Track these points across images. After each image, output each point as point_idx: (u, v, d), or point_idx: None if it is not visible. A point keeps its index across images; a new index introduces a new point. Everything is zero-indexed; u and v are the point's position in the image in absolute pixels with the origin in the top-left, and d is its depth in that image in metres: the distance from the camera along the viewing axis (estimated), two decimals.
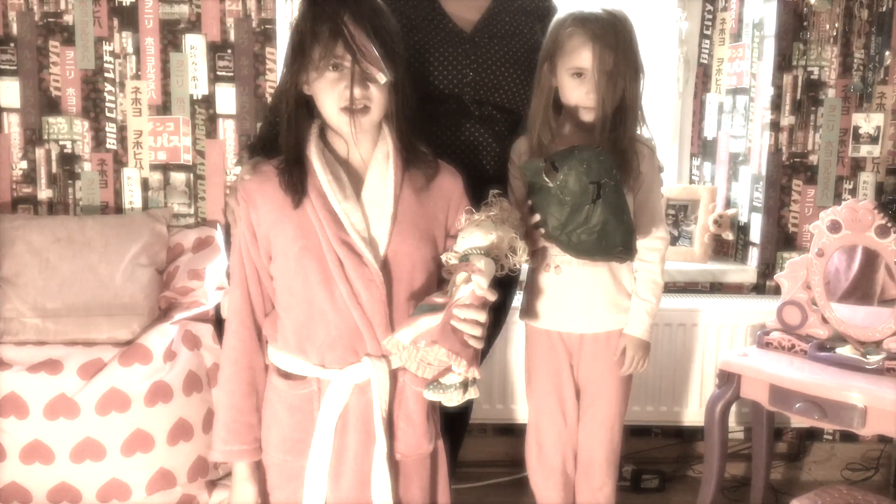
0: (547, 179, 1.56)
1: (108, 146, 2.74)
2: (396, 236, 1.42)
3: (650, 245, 1.81)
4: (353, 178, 1.43)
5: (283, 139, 1.45)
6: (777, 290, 2.71)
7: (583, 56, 1.65)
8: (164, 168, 2.76)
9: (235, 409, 1.48)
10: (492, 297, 1.31)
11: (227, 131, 2.75)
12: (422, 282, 1.46)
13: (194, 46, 2.70)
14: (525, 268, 1.77)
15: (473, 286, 1.29)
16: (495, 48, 1.81)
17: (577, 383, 1.86)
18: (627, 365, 1.83)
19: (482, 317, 1.31)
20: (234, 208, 1.49)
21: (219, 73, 2.72)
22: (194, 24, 2.69)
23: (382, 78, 1.34)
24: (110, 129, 2.73)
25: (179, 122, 2.73)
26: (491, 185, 1.77)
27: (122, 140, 2.73)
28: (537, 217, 1.63)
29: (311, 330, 1.41)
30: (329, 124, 1.42)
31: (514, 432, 2.78)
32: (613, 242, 1.59)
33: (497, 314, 1.78)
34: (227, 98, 2.73)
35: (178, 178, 2.77)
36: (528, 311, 1.86)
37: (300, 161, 1.42)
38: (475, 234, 1.36)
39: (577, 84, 1.67)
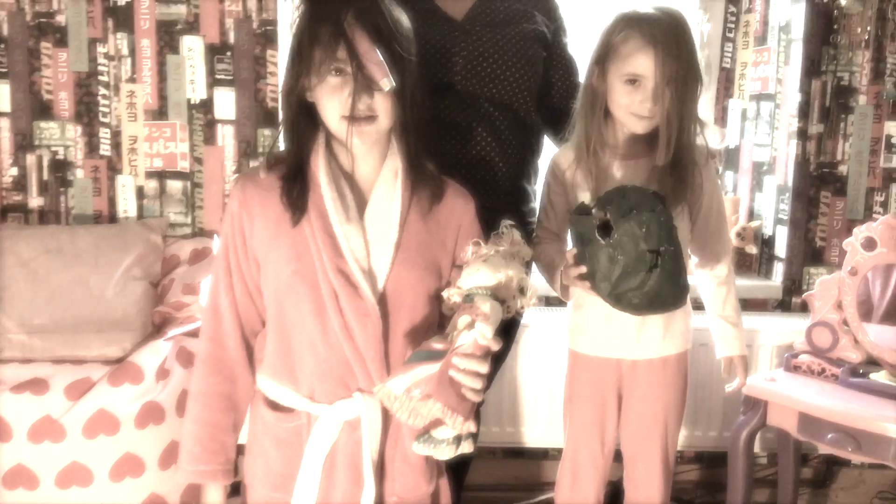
0: (599, 237, 1.46)
1: (101, 152, 2.66)
2: (399, 266, 1.32)
3: (718, 273, 1.76)
4: (356, 196, 1.33)
5: (285, 149, 1.36)
6: (804, 308, 2.60)
7: (640, 62, 1.53)
8: (160, 175, 2.68)
9: (213, 426, 1.38)
10: (496, 346, 1.20)
11: (227, 137, 2.66)
12: (423, 316, 1.35)
13: (192, 48, 2.62)
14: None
15: (477, 335, 1.19)
16: (488, 36, 1.71)
17: (620, 412, 1.78)
18: (741, 383, 1.85)
19: (484, 368, 1.20)
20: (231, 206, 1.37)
21: (218, 76, 2.63)
22: (192, 25, 2.60)
23: (386, 85, 1.23)
24: (104, 134, 2.65)
25: (176, 127, 2.65)
26: (496, 193, 1.73)
27: (116, 146, 2.65)
28: (583, 269, 1.52)
29: (300, 359, 1.32)
30: (332, 134, 1.33)
31: (523, 455, 2.71)
32: (665, 303, 1.51)
33: (507, 332, 1.65)
34: (226, 102, 2.64)
35: (175, 186, 2.68)
36: (576, 336, 1.77)
37: (303, 174, 1.33)
38: (482, 272, 1.25)
39: (631, 91, 1.56)
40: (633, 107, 1.55)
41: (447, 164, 1.50)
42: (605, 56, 1.59)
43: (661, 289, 1.45)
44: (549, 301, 2.68)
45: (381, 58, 1.23)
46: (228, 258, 1.35)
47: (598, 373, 1.74)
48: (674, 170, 1.58)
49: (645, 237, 1.42)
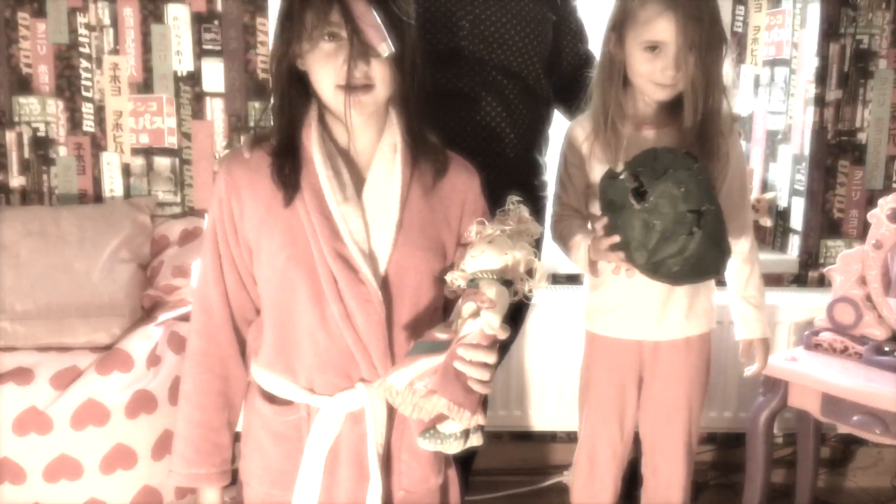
0: (633, 202, 1.40)
1: (85, 129, 2.57)
2: (401, 247, 1.26)
3: (740, 249, 1.70)
4: (353, 174, 1.27)
5: (275, 123, 1.29)
6: (821, 282, 2.57)
7: (660, 27, 1.48)
8: (147, 152, 2.60)
9: (206, 426, 1.32)
10: (504, 334, 1.14)
11: (216, 111, 2.58)
12: (428, 300, 1.30)
13: (177, 17, 2.52)
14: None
15: (482, 324, 1.13)
16: None
17: (640, 397, 1.75)
18: (761, 367, 1.81)
19: (491, 358, 1.13)
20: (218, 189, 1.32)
21: (205, 46, 2.54)
22: None
23: (385, 50, 1.16)
24: (87, 109, 2.56)
25: (163, 101, 2.57)
26: (506, 166, 1.67)
27: (100, 122, 2.57)
28: (616, 238, 1.45)
29: (298, 349, 1.26)
30: (326, 106, 1.26)
31: (531, 439, 2.67)
32: (707, 269, 1.45)
33: (515, 317, 1.60)
34: (214, 74, 2.55)
35: (163, 163, 2.61)
36: (595, 317, 1.73)
37: (295, 150, 1.26)
38: (487, 254, 1.18)
39: (651, 58, 1.50)
40: (654, 75, 1.51)
41: (452, 136, 1.45)
42: (621, 22, 1.54)
43: (704, 253, 1.40)
44: (556, 279, 2.63)
45: (379, 21, 1.17)
46: (217, 245, 1.30)
47: (618, 355, 1.71)
48: (699, 139, 1.52)
49: (684, 197, 1.37)
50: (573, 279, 2.61)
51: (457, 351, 1.13)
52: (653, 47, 1.49)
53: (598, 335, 1.72)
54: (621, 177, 1.44)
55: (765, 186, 2.80)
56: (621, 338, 1.69)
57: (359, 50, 1.17)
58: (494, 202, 1.32)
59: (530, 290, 1.20)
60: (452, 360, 1.13)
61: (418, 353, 1.16)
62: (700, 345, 1.71)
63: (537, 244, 1.64)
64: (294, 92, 1.27)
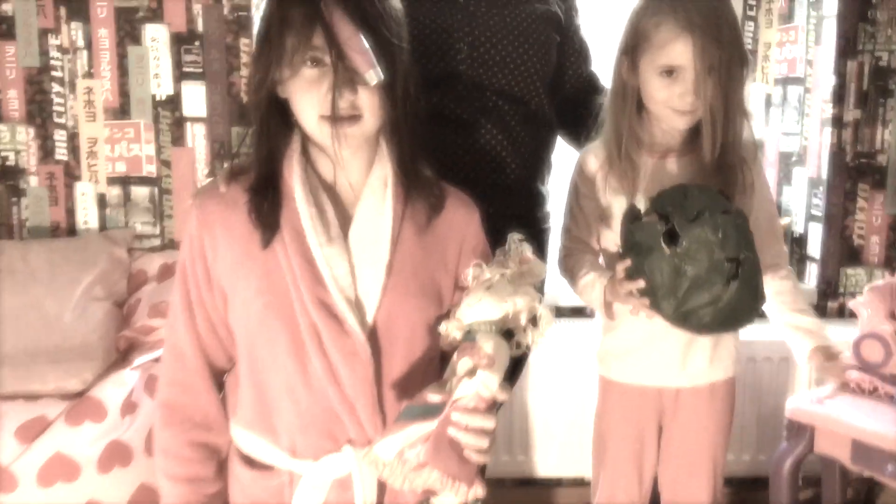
0: (664, 246, 1.34)
1: (57, 157, 2.51)
2: (392, 293, 1.18)
3: (781, 273, 1.61)
4: (339, 211, 1.21)
5: (253, 155, 1.23)
6: (842, 313, 2.50)
7: (677, 51, 1.41)
8: (124, 181, 2.53)
9: (196, 481, 1.24)
10: (504, 396, 1.06)
11: (197, 137, 2.51)
12: (422, 351, 1.22)
13: (156, 38, 2.47)
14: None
15: (479, 385, 1.04)
16: (495, 17, 1.60)
17: (659, 448, 1.66)
18: (840, 376, 1.74)
19: (490, 423, 1.05)
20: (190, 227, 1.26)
21: (185, 69, 2.48)
22: (155, 13, 2.45)
23: (373, 78, 1.10)
24: (60, 136, 2.50)
25: (140, 127, 2.50)
26: (507, 197, 1.62)
27: (73, 150, 2.50)
28: (641, 283, 1.38)
29: (278, 407, 1.19)
30: (310, 137, 1.20)
31: (535, 485, 2.56)
32: (740, 320, 1.39)
33: (516, 366, 1.58)
34: (195, 98, 2.49)
35: (141, 192, 2.54)
36: (610, 362, 1.64)
37: (275, 185, 1.19)
38: (485, 302, 1.09)
39: (668, 84, 1.44)
40: (671, 101, 1.44)
41: (448, 166, 1.40)
42: (634, 45, 1.47)
43: (739, 303, 1.34)
44: (560, 312, 2.53)
45: (366, 45, 1.11)
46: (188, 289, 1.22)
47: (636, 403, 1.62)
48: (720, 169, 1.46)
49: (721, 244, 1.31)
50: (578, 312, 2.51)
51: (451, 416, 1.04)
52: (669, 72, 1.42)
53: (614, 381, 1.63)
54: (647, 217, 1.38)
55: (779, 212, 2.67)
56: (640, 384, 1.61)
57: (344, 77, 1.11)
58: (494, 236, 1.26)
59: (533, 342, 1.11)
60: (446, 427, 1.04)
61: (408, 419, 1.07)
62: (725, 390, 1.62)
63: (541, 288, 1.60)
64: (274, 122, 1.20)
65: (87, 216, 2.53)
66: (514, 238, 1.16)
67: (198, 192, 1.30)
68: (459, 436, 1.04)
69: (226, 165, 1.33)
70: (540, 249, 1.68)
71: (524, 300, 1.10)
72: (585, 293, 1.56)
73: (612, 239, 1.53)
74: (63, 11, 2.43)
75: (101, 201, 2.53)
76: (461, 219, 1.27)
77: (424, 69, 1.48)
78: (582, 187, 1.60)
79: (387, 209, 1.20)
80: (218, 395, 1.25)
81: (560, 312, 2.54)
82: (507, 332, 1.11)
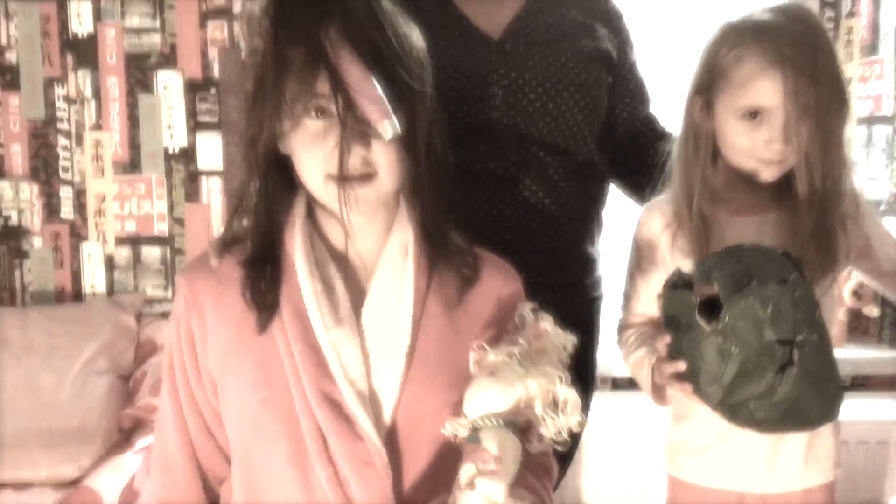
0: (700, 321, 1.17)
1: (63, 216, 2.47)
2: (414, 386, 1.09)
3: None
4: (351, 287, 1.12)
5: (250, 223, 1.16)
6: None
7: (763, 90, 1.28)
8: (134, 241, 2.49)
9: None
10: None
11: (213, 192, 2.47)
12: (453, 455, 1.07)
13: (168, 86, 2.43)
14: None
15: (479, 498, 0.93)
16: (535, 58, 1.51)
17: None
18: None
19: None
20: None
21: (200, 118, 2.44)
22: (168, 58, 2.42)
23: (388, 130, 1.00)
24: (65, 193, 2.46)
25: (152, 182, 2.46)
26: (552, 263, 1.52)
27: (80, 208, 2.47)
28: (681, 366, 1.24)
29: None
30: (317, 200, 1.12)
31: None
32: (808, 418, 1.21)
33: (565, 458, 1.46)
34: (211, 150, 2.44)
35: (152, 253, 2.49)
36: (681, 458, 1.47)
37: (274, 257, 1.12)
38: (489, 391, 1.00)
39: (752, 129, 1.30)
40: (756, 150, 1.32)
41: (483, 230, 1.30)
42: (710, 83, 1.35)
43: (800, 397, 1.17)
44: (616, 384, 2.40)
45: (380, 91, 1.02)
46: (176, 382, 1.14)
47: None
48: (818, 230, 1.31)
49: (772, 321, 1.14)
50: (636, 384, 2.24)
51: None
52: (753, 114, 1.30)
53: (685, 482, 1.45)
54: (690, 283, 1.23)
55: None
56: (716, 487, 1.42)
57: (354, 130, 1.02)
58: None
59: (559, 432, 0.99)
60: None
61: None
62: (822, 499, 1.42)
63: (583, 359, 1.45)
64: (274, 182, 1.12)
65: (93, 279, 2.49)
66: (526, 308, 1.05)
67: (185, 266, 1.25)
68: None
69: (217, 235, 1.24)
70: (590, 322, 1.59)
71: (539, 383, 0.98)
72: (637, 373, 1.44)
73: None
74: (70, 59, 2.41)
75: (109, 263, 2.49)
76: (500, 288, 1.17)
77: (452, 118, 1.41)
78: (644, 251, 1.47)
79: (407, 283, 1.10)
80: None
81: (616, 385, 2.41)
82: (523, 427, 1.00)
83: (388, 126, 1.00)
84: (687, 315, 1.21)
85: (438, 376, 1.09)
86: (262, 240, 1.11)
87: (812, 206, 1.30)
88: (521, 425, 1.00)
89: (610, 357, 1.98)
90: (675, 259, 1.41)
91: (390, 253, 1.12)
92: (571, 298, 1.52)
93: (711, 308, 1.18)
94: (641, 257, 1.47)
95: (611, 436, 2.19)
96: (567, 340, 1.05)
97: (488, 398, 0.99)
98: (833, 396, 1.22)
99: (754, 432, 1.25)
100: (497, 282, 1.17)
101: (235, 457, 1.12)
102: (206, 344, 1.10)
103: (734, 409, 1.20)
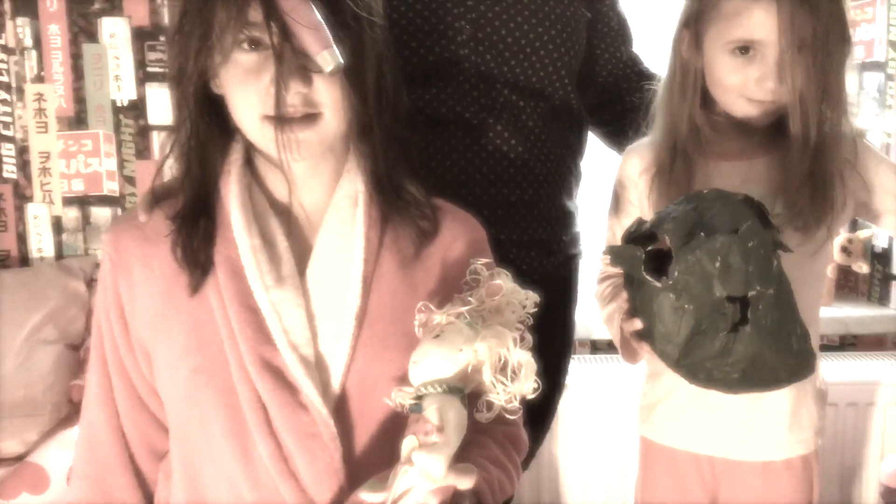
0: (648, 277, 1.12)
1: (5, 175, 2.37)
2: (365, 350, 1.03)
3: None
4: (295, 243, 1.06)
5: (180, 172, 1.08)
6: None
7: (755, 21, 1.24)
8: (82, 202, 2.40)
9: None
10: (466, 483, 0.90)
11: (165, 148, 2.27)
12: None
13: (115, 34, 2.32)
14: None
15: (419, 473, 0.88)
16: None
17: None
18: None
19: None
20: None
21: (150, 68, 2.34)
22: (113, 5, 2.32)
23: (328, 62, 0.94)
24: (7, 151, 2.37)
25: (100, 137, 2.37)
26: (525, 218, 1.47)
27: (23, 166, 2.38)
28: (638, 324, 1.20)
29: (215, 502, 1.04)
30: (253, 145, 1.06)
31: None
32: (769, 378, 1.17)
33: (544, 407, 1.42)
34: (162, 103, 2.35)
35: (102, 214, 2.40)
36: (654, 419, 1.46)
37: (208, 211, 1.05)
38: (433, 356, 0.93)
39: (743, 65, 1.26)
40: (746, 87, 1.27)
41: (448, 181, 1.32)
42: (699, 14, 1.31)
43: (758, 355, 1.13)
44: (595, 346, 2.35)
45: (320, 18, 0.95)
46: (104, 353, 1.08)
47: (685, 474, 1.43)
48: (811, 176, 1.27)
49: (721, 276, 1.09)
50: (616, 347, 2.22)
51: None
52: (744, 49, 1.25)
53: (657, 444, 1.44)
54: (642, 235, 1.18)
55: (856, 223, 2.48)
56: (689, 451, 1.41)
57: (292, 64, 0.96)
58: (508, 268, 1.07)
59: (511, 399, 0.92)
60: None
61: None
62: (803, 469, 1.40)
63: (560, 321, 1.50)
64: (206, 126, 1.04)
65: (41, 243, 2.42)
66: (479, 263, 0.99)
67: (111, 223, 1.17)
68: None
69: (146, 190, 1.14)
70: (567, 281, 1.53)
71: (489, 345, 0.91)
72: (609, 328, 1.42)
73: None
74: (7, 6, 2.30)
75: (57, 225, 2.41)
76: (462, 239, 1.11)
77: (414, 56, 1.38)
78: (620, 197, 1.44)
79: (357, 237, 1.05)
80: (140, 491, 1.10)
81: (596, 347, 2.37)
82: (467, 396, 0.94)
83: (329, 56, 0.93)
84: (635, 270, 1.17)
85: (391, 340, 1.04)
86: (194, 191, 1.04)
87: (805, 151, 1.25)
88: (470, 391, 0.95)
89: (589, 319, 1.92)
90: (652, 207, 1.37)
91: (338, 205, 1.06)
92: (547, 256, 1.46)
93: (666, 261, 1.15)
94: (619, 206, 1.44)
95: (589, 401, 2.16)
96: (527, 298, 0.99)
97: (432, 363, 0.93)
98: (798, 353, 1.17)
99: (721, 393, 1.22)
100: (457, 231, 1.12)
101: (172, 430, 1.07)
102: (135, 308, 1.04)
103: (692, 369, 1.17)
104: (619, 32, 1.58)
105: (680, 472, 1.43)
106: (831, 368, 2.22)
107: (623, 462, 2.10)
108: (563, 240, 1.53)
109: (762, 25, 1.22)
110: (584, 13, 1.48)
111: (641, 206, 1.40)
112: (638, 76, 1.51)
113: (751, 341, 1.12)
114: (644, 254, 1.15)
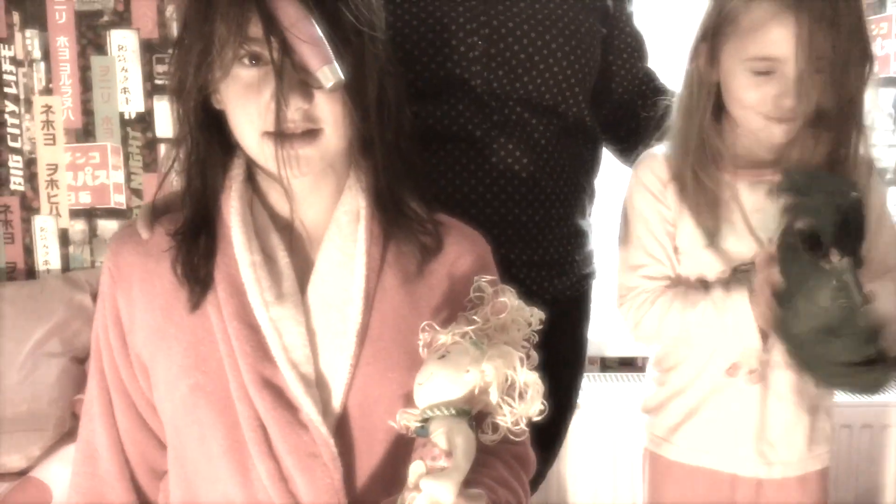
0: (833, 249, 1.11)
1: (12, 187, 2.39)
2: (367, 369, 1.02)
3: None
4: (295, 258, 1.06)
5: (182, 188, 1.08)
6: None
7: (775, 37, 1.21)
8: (89, 214, 2.42)
9: None
10: None
11: None
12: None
13: (123, 46, 2.34)
14: (651, 357, 1.42)
15: (425, 500, 0.86)
16: (521, 4, 1.42)
17: None
18: None
19: None
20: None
21: (158, 81, 2.35)
22: (122, 17, 2.33)
23: (328, 78, 0.92)
24: (14, 163, 2.38)
25: (107, 150, 2.38)
26: (536, 239, 1.44)
27: (30, 178, 2.39)
28: (777, 276, 1.17)
29: None
30: (253, 161, 1.06)
31: None
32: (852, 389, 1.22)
33: (553, 427, 1.34)
34: (170, 116, 2.21)
35: (108, 227, 2.41)
36: (664, 432, 1.42)
37: (208, 227, 1.05)
38: (438, 378, 0.91)
39: (761, 82, 1.23)
40: (764, 106, 1.24)
41: (458, 201, 1.29)
42: (717, 29, 1.28)
43: (863, 384, 1.17)
44: (605, 364, 2.30)
45: (320, 33, 0.94)
46: (103, 368, 1.07)
47: (700, 493, 1.40)
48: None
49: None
50: (627, 364, 2.31)
51: None
52: (762, 65, 1.22)
53: (668, 461, 1.41)
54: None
55: None
56: (704, 467, 1.38)
57: (293, 80, 0.94)
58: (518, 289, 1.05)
59: (517, 422, 0.91)
60: None
61: None
62: (818, 484, 1.39)
63: (573, 341, 1.47)
64: (206, 141, 1.03)
65: (47, 255, 2.42)
66: (482, 280, 0.96)
67: (112, 237, 1.16)
68: None
69: (147, 204, 1.15)
70: (580, 301, 1.49)
71: (496, 365, 0.89)
72: (710, 321, 1.31)
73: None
74: (16, 17, 2.33)
75: (64, 237, 2.42)
76: (466, 256, 1.10)
77: (425, 71, 1.35)
78: (654, 204, 1.38)
79: (359, 254, 1.04)
80: None
81: (606, 365, 2.33)
82: (473, 418, 0.92)
83: (330, 72, 0.92)
84: (828, 223, 1.15)
85: (393, 358, 1.03)
86: (194, 207, 1.04)
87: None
88: (476, 413, 0.93)
89: (600, 337, 1.89)
90: (681, 223, 1.35)
91: (339, 221, 1.06)
92: (559, 277, 1.42)
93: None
94: (651, 212, 1.38)
95: (599, 419, 2.14)
96: (532, 316, 0.96)
97: (438, 385, 0.90)
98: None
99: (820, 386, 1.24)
100: (463, 247, 1.11)
101: (171, 448, 1.06)
102: (134, 324, 1.04)
103: (804, 354, 1.16)
104: (634, 48, 1.56)
105: (695, 492, 1.40)
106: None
107: (632, 480, 2.07)
108: (576, 259, 1.50)
109: (781, 42, 1.20)
110: (599, 29, 1.46)
111: (666, 213, 1.39)
112: (654, 92, 1.48)
113: (876, 380, 1.14)
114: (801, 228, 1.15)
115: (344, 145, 1.02)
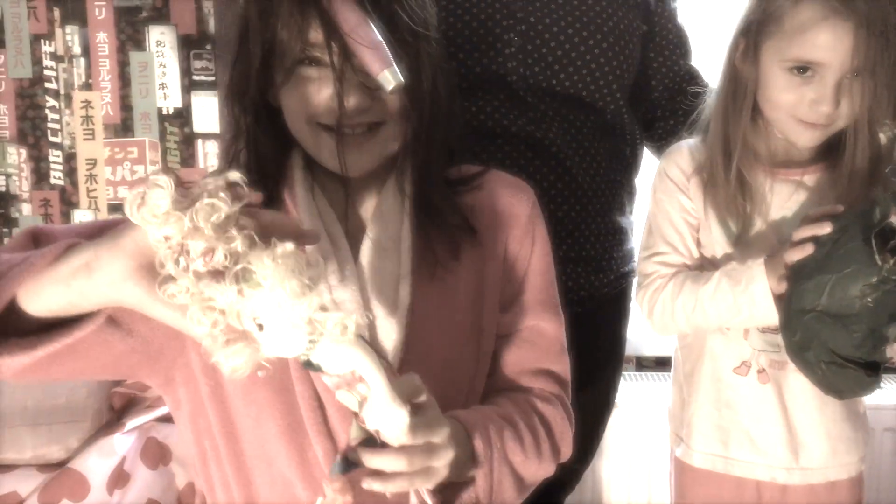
0: (869, 250, 1.10)
1: (52, 181, 2.39)
2: (417, 347, 1.06)
3: None
4: (350, 244, 1.09)
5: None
6: None
7: (818, 41, 1.17)
8: None
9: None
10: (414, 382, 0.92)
11: (210, 156, 2.39)
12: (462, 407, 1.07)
13: (162, 42, 2.34)
14: (678, 355, 1.41)
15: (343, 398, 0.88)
16: (558, 1, 1.41)
17: None
18: None
19: (391, 461, 0.88)
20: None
21: (196, 76, 2.35)
22: (161, 12, 2.33)
23: (389, 81, 0.94)
24: (55, 157, 2.38)
25: (145, 145, 2.37)
26: (575, 236, 1.44)
27: (70, 172, 2.39)
28: (809, 249, 1.15)
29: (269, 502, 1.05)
30: (313, 157, 1.08)
31: None
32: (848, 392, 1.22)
33: (594, 420, 1.45)
34: (207, 111, 2.37)
35: None
36: (688, 435, 1.40)
37: None
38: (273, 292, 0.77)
39: (798, 84, 1.21)
40: (798, 108, 1.21)
41: None
42: (759, 25, 1.24)
43: (846, 388, 1.20)
44: (641, 364, 2.29)
45: (379, 37, 0.95)
46: None
47: (725, 499, 1.38)
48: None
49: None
50: (663, 364, 2.27)
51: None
52: (802, 68, 1.19)
53: (692, 467, 1.39)
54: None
55: None
56: (729, 473, 1.37)
57: (352, 82, 0.97)
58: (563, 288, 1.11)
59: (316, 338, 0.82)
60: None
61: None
62: (850, 492, 1.36)
63: (612, 340, 1.50)
64: (264, 137, 1.06)
65: None
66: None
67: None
68: (376, 486, 0.89)
69: None
70: (619, 300, 1.49)
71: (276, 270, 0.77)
72: (724, 293, 1.27)
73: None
74: (57, 14, 2.32)
75: None
76: (509, 208, 1.13)
77: (462, 67, 1.35)
78: (674, 196, 1.36)
79: (405, 241, 1.07)
80: None
81: (642, 364, 2.31)
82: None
83: (390, 75, 0.93)
84: (866, 230, 1.13)
85: (436, 335, 1.06)
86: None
87: (854, 178, 1.22)
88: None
89: (637, 336, 1.86)
90: (708, 219, 1.34)
91: (386, 205, 1.08)
92: (596, 274, 1.41)
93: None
94: (671, 205, 1.37)
95: (633, 418, 2.13)
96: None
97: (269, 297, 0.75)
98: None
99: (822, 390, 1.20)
100: (505, 198, 1.13)
101: (219, 437, 1.06)
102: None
103: (807, 337, 1.15)
104: (676, 45, 1.54)
105: (721, 497, 1.39)
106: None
107: (667, 480, 2.04)
108: (614, 257, 1.49)
109: (826, 47, 1.17)
110: (640, 25, 1.44)
111: (688, 206, 1.37)
112: (696, 91, 1.45)
113: (857, 378, 1.15)
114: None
115: (400, 142, 1.04)
